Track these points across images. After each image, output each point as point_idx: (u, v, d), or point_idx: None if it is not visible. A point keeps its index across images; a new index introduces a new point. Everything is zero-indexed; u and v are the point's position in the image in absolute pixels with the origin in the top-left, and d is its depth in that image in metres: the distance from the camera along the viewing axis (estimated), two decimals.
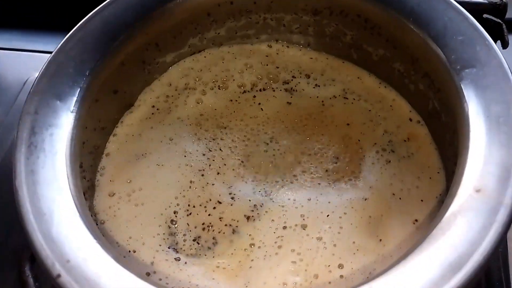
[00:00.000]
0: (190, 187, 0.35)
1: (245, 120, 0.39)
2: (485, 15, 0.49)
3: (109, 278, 0.24)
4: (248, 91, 0.41)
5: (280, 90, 0.41)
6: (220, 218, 0.34)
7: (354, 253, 0.31)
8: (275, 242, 0.32)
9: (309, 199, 0.34)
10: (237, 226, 0.33)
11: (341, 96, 0.40)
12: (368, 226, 0.32)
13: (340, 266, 0.31)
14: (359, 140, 0.37)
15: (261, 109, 0.40)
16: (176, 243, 0.32)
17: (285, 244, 0.32)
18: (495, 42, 0.49)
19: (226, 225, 0.33)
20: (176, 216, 0.33)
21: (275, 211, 0.34)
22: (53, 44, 0.76)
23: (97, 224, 0.32)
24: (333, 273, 0.30)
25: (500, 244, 0.23)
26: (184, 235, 0.33)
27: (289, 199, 0.34)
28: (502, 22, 0.49)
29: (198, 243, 0.32)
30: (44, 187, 0.28)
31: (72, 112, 0.32)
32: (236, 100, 0.40)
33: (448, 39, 0.31)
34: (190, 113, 0.40)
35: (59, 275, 0.24)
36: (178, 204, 0.34)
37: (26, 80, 0.67)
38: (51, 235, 0.26)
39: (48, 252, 0.25)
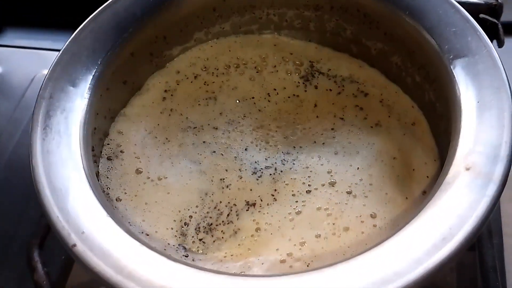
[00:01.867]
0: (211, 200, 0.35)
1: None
2: (481, 15, 0.51)
3: (121, 248, 0.26)
4: (259, 72, 0.42)
5: (293, 72, 0.42)
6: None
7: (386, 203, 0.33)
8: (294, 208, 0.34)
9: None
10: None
11: (350, 81, 0.41)
12: (397, 181, 0.34)
13: (373, 215, 0.32)
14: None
15: (275, 90, 0.41)
16: (186, 243, 0.33)
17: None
18: (491, 41, 0.51)
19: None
20: (190, 220, 0.34)
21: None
22: (60, 42, 0.78)
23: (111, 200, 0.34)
24: (365, 223, 0.32)
25: (487, 219, 0.25)
26: (193, 237, 0.33)
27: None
28: (497, 22, 0.51)
29: (204, 243, 0.33)
30: (59, 165, 0.30)
31: (85, 98, 0.34)
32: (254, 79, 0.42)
33: (441, 31, 0.33)
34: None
35: (74, 245, 0.26)
36: (195, 213, 0.34)
37: (34, 77, 0.69)
38: (66, 209, 0.27)
39: (64, 224, 0.27)
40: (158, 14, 0.39)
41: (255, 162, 0.37)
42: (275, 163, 0.37)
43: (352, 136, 0.38)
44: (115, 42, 0.36)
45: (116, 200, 0.34)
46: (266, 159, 0.37)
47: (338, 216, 0.33)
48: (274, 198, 0.35)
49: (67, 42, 0.35)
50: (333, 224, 0.32)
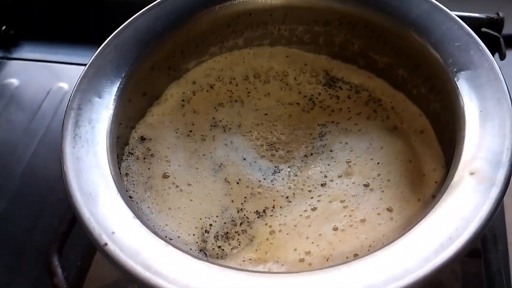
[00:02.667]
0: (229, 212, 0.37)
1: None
2: (483, 29, 0.53)
3: (149, 247, 0.28)
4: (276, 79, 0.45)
5: (314, 81, 0.45)
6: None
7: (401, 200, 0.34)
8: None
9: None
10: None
11: (361, 88, 0.44)
12: (412, 183, 0.35)
13: (390, 209, 0.34)
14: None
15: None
16: (206, 250, 0.35)
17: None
18: (493, 54, 0.53)
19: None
20: (210, 228, 0.36)
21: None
22: (75, 56, 0.81)
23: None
24: (382, 216, 0.33)
25: (490, 220, 0.26)
26: (213, 244, 0.35)
27: None
28: (499, 36, 0.53)
29: (223, 250, 0.35)
30: (88, 171, 0.32)
31: (110, 108, 0.36)
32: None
33: (446, 46, 0.35)
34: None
35: (106, 244, 0.28)
36: (215, 221, 0.36)
37: (50, 90, 0.71)
38: (96, 211, 0.29)
39: (95, 225, 0.29)
40: (177, 30, 0.42)
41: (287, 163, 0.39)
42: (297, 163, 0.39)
43: (378, 133, 0.40)
44: (137, 57, 0.39)
45: (140, 201, 0.36)
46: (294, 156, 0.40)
47: (355, 208, 0.35)
48: (291, 196, 0.37)
49: (93, 57, 0.38)
50: (350, 216, 0.34)
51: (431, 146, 0.37)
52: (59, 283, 0.46)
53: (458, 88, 0.33)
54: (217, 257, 0.34)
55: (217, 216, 0.36)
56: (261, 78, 0.45)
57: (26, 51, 0.77)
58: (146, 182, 0.38)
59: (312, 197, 0.37)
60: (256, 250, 0.33)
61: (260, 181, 0.38)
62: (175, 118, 0.42)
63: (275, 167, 0.39)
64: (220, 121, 0.43)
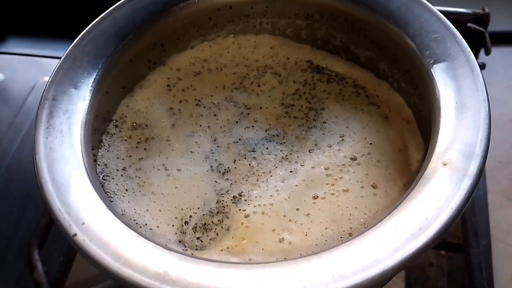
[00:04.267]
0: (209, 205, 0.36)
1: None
2: (469, 24, 0.53)
3: (119, 238, 0.28)
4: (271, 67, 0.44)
5: (301, 67, 0.44)
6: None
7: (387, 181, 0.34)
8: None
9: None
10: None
11: (347, 77, 0.43)
12: (400, 169, 0.35)
13: (374, 185, 0.34)
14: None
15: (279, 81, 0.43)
16: (185, 241, 0.34)
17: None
18: (479, 50, 0.53)
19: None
20: (190, 220, 0.35)
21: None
22: (61, 50, 0.81)
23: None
24: (365, 190, 0.34)
25: (461, 212, 0.26)
26: (191, 235, 0.35)
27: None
28: (484, 31, 0.53)
29: (202, 241, 0.35)
30: (61, 162, 0.31)
31: (86, 100, 0.36)
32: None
33: (423, 38, 0.35)
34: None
35: (75, 234, 0.27)
36: (196, 213, 0.36)
37: (35, 84, 0.71)
38: (67, 202, 0.29)
39: (66, 216, 0.28)
40: (157, 22, 0.41)
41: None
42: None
43: (375, 118, 0.39)
44: (115, 48, 0.38)
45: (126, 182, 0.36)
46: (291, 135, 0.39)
47: (338, 178, 0.35)
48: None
49: (69, 48, 0.37)
50: (332, 185, 0.34)
51: (415, 137, 0.37)
52: (39, 277, 0.46)
53: (435, 80, 0.33)
54: (196, 249, 0.34)
55: (198, 208, 0.36)
56: (251, 65, 0.44)
57: (12, 45, 0.77)
58: (135, 163, 0.37)
59: (296, 161, 0.36)
60: (232, 237, 0.33)
61: (254, 158, 0.38)
62: (164, 100, 0.42)
63: (268, 140, 0.39)
64: (213, 103, 0.42)
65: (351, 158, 0.36)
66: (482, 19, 0.55)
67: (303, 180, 0.35)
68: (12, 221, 0.56)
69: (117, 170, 0.36)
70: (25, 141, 0.64)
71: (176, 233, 0.34)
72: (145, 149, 0.39)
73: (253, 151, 0.38)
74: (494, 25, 0.55)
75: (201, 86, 0.43)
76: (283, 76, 0.43)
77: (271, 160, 0.38)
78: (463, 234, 0.47)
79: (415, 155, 0.35)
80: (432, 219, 0.26)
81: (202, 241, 0.34)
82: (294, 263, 0.26)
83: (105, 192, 0.34)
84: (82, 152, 0.32)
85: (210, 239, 0.34)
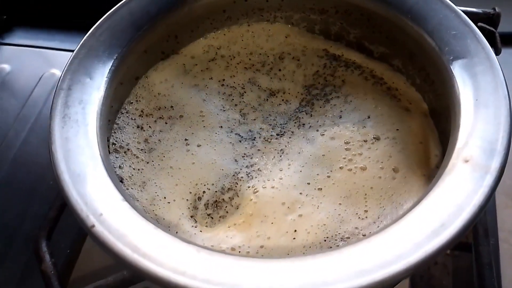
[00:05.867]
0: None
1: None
2: (479, 24, 0.53)
3: (136, 230, 0.27)
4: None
5: (320, 55, 0.44)
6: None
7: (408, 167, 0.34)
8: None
9: None
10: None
11: (364, 66, 0.43)
12: (420, 160, 0.35)
13: (395, 169, 0.33)
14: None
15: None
16: (196, 216, 0.35)
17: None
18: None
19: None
20: (203, 195, 0.35)
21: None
22: (68, 43, 0.80)
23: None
24: (385, 171, 0.33)
25: (483, 209, 0.26)
26: (202, 210, 0.35)
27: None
28: (495, 31, 0.53)
29: (212, 218, 0.35)
30: (77, 152, 0.31)
31: (101, 90, 0.35)
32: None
33: (442, 34, 0.35)
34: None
35: (93, 225, 0.27)
36: (209, 189, 0.36)
37: (42, 76, 0.70)
38: (84, 192, 0.29)
39: (83, 206, 0.28)
40: (171, 14, 0.41)
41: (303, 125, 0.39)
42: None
43: (398, 109, 0.39)
44: (130, 39, 0.38)
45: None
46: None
47: (357, 154, 0.34)
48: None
49: (85, 37, 0.37)
50: (350, 160, 0.34)
51: (433, 132, 0.37)
52: (47, 269, 0.46)
53: (454, 76, 0.33)
54: (206, 225, 0.34)
55: (212, 184, 0.35)
56: (267, 53, 0.44)
57: (19, 37, 0.77)
58: (156, 136, 0.38)
59: (317, 130, 0.36)
60: (240, 214, 0.33)
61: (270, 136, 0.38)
62: (184, 80, 0.42)
63: (294, 117, 0.39)
64: (237, 84, 0.41)
65: (374, 137, 0.35)
66: (493, 19, 0.55)
67: (320, 151, 0.35)
68: (17, 213, 0.56)
69: (139, 142, 0.37)
70: (31, 134, 0.64)
71: (189, 208, 0.34)
72: (167, 125, 0.39)
73: (279, 128, 0.38)
74: (505, 26, 0.55)
75: (221, 70, 0.42)
76: (301, 60, 0.43)
77: (292, 132, 0.38)
78: (473, 233, 0.47)
79: (433, 150, 0.35)
80: (454, 216, 0.26)
81: (212, 218, 0.34)
82: (313, 258, 0.26)
83: (121, 168, 0.34)
84: (98, 143, 0.32)
85: (220, 217, 0.34)
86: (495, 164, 0.27)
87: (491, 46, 0.52)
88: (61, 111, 0.33)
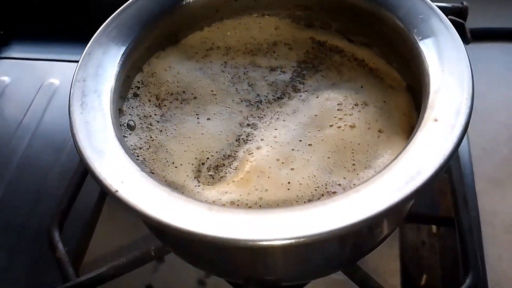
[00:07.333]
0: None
1: None
2: (450, 17, 0.58)
3: (155, 193, 0.31)
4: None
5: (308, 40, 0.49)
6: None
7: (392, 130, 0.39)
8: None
9: None
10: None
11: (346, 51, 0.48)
12: (404, 129, 0.40)
13: (381, 130, 0.38)
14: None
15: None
16: (199, 178, 0.38)
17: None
18: None
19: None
20: (206, 161, 0.39)
21: None
22: (66, 54, 0.84)
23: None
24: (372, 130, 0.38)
25: (451, 157, 0.31)
26: (205, 173, 0.39)
27: None
28: (464, 22, 0.58)
29: (213, 178, 0.39)
30: (96, 132, 0.35)
31: (111, 82, 0.39)
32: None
33: (411, 18, 0.40)
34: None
35: (117, 190, 0.31)
36: (213, 156, 0.39)
37: (41, 86, 0.74)
38: (105, 165, 0.33)
39: (106, 175, 0.32)
40: (172, 14, 0.45)
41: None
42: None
43: (383, 84, 0.43)
44: (136, 36, 0.42)
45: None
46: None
47: (348, 114, 0.39)
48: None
49: (96, 34, 0.41)
50: (340, 118, 0.38)
51: (412, 107, 0.42)
52: (61, 256, 0.49)
53: (423, 52, 0.38)
54: (208, 184, 0.38)
55: (216, 152, 0.40)
56: (261, 42, 0.49)
57: (16, 51, 0.80)
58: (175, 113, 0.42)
59: (312, 93, 0.41)
60: (239, 172, 0.37)
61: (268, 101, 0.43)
62: (188, 65, 0.46)
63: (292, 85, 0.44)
64: (239, 64, 0.46)
65: (364, 103, 0.40)
66: (461, 12, 0.60)
67: (313, 111, 0.40)
68: (25, 212, 0.59)
69: (156, 115, 0.41)
70: (34, 139, 0.67)
71: (193, 171, 0.38)
72: (182, 105, 0.43)
73: (280, 92, 0.43)
74: (473, 22, 0.60)
75: (220, 56, 0.47)
76: (292, 46, 0.48)
77: (290, 96, 0.43)
78: (453, 201, 0.51)
79: (415, 120, 0.39)
80: (428, 163, 0.30)
81: (213, 178, 0.38)
82: (299, 210, 0.30)
83: (139, 138, 0.39)
84: (113, 124, 0.36)
85: (220, 177, 0.38)
86: (460, 121, 0.32)
87: (461, 37, 0.58)
88: (79, 99, 0.37)
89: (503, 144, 0.61)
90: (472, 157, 0.60)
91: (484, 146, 0.60)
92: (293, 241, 0.28)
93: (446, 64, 0.36)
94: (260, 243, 0.28)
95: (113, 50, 0.40)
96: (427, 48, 0.37)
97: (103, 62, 0.40)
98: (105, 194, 0.55)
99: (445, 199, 0.57)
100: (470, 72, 0.34)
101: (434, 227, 0.64)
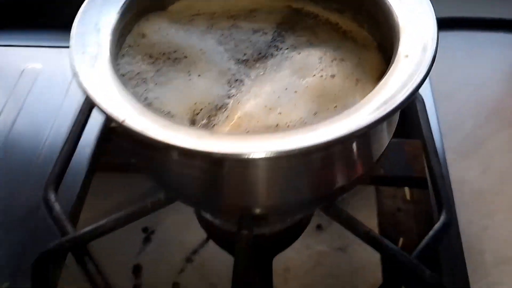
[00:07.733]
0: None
1: None
2: None
3: (160, 123, 0.34)
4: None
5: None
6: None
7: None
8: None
9: None
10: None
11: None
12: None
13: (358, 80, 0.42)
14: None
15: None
16: (194, 125, 0.41)
17: None
18: None
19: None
20: (200, 111, 0.42)
21: None
22: (47, 40, 0.85)
23: None
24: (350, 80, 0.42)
25: (421, 85, 0.35)
26: (198, 122, 0.41)
27: None
28: None
29: (207, 126, 0.41)
30: (99, 78, 0.38)
31: (108, 37, 0.42)
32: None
33: None
34: None
35: (124, 120, 0.34)
36: (205, 107, 0.42)
37: (23, 70, 0.75)
38: (110, 101, 0.35)
39: (112, 109, 0.35)
40: None
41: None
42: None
43: (357, 44, 0.47)
44: (125, 2, 0.45)
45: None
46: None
47: (329, 66, 0.43)
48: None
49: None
50: (322, 70, 0.42)
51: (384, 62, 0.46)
52: (58, 214, 0.51)
53: (393, 9, 0.42)
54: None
55: (208, 103, 0.43)
56: (240, 9, 0.52)
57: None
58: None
59: (293, 51, 0.45)
60: (230, 118, 0.40)
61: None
62: (176, 27, 0.49)
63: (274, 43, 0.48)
64: (223, 27, 0.49)
65: (342, 59, 0.44)
66: None
67: (297, 65, 0.43)
68: (14, 187, 0.61)
69: (150, 71, 0.44)
70: (18, 122, 0.69)
71: (188, 119, 0.41)
72: (174, 63, 0.46)
73: (264, 50, 0.46)
74: (439, 12, 0.66)
75: (205, 20, 0.50)
76: (271, 11, 0.52)
77: (272, 54, 0.46)
78: (425, 155, 0.56)
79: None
80: (401, 89, 0.35)
81: (207, 126, 0.41)
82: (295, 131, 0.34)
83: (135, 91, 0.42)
84: (114, 72, 0.39)
85: (213, 125, 0.41)
86: (428, 56, 0.37)
87: None
88: (79, 50, 0.40)
89: (466, 121, 0.67)
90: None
91: (450, 124, 0.66)
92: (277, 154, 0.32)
93: (412, 11, 0.41)
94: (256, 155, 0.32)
95: (106, 13, 0.44)
96: (396, 5, 0.42)
97: (99, 21, 0.43)
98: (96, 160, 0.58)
99: (418, 162, 0.62)
100: (433, 15, 0.39)
101: (408, 194, 0.69)
